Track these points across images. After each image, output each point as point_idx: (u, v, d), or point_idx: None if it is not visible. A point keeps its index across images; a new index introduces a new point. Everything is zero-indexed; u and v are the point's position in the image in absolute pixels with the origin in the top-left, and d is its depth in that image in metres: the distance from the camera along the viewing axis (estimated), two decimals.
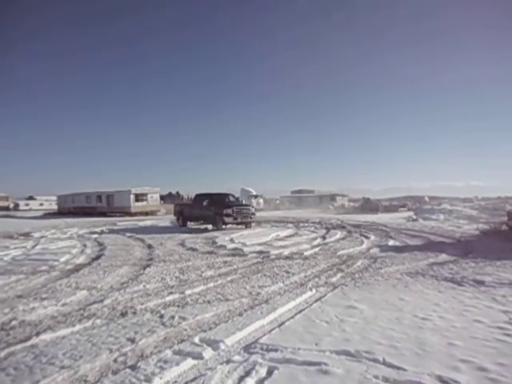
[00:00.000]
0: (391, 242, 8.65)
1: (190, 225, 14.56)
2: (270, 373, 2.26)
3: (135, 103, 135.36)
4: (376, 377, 2.19)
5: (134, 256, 7.36)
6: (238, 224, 12.94)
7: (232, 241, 9.19)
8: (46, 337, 2.95)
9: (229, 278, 5.09)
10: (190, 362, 2.45)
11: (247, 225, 13.04)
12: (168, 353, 2.59)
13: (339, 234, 10.45)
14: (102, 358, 2.52)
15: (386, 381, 2.14)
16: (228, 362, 2.46)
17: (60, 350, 2.71)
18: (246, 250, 7.74)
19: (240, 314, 3.47)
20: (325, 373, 2.25)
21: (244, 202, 17.82)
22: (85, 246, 9.09)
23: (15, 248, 8.63)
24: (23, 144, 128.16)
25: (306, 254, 7.15)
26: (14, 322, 3.32)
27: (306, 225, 14.24)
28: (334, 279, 4.92)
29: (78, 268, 6.10)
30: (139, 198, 28.46)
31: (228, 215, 12.31)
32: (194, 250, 8.05)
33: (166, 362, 2.44)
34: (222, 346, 2.70)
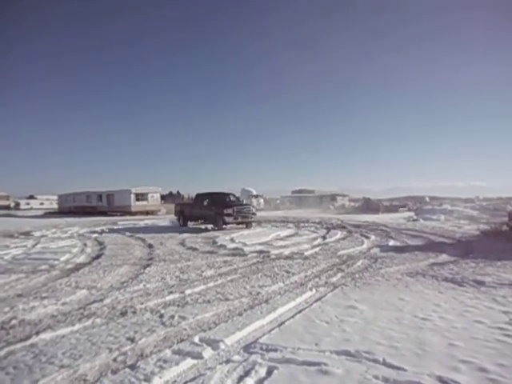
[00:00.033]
0: (392, 242, 8.64)
1: (191, 224, 14.55)
2: (269, 373, 2.26)
3: (135, 103, 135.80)
4: (376, 377, 2.18)
5: (134, 255, 7.36)
6: (238, 224, 12.93)
7: (232, 240, 9.19)
8: (46, 336, 2.96)
9: (229, 278, 5.09)
10: (189, 361, 2.45)
11: (248, 224, 13.04)
12: (168, 352, 2.58)
13: (339, 234, 10.44)
14: (102, 358, 2.53)
15: (385, 381, 2.14)
16: (228, 361, 2.46)
17: (60, 349, 2.71)
18: (246, 249, 7.74)
19: (240, 314, 3.46)
20: (325, 373, 2.25)
21: (244, 201, 17.82)
22: (85, 245, 9.10)
23: (16, 247, 8.64)
24: (24, 143, 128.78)
25: (306, 253, 7.15)
26: (13, 321, 3.32)
27: (306, 225, 14.24)
28: (334, 279, 4.91)
29: (78, 267, 6.10)
30: (140, 197, 28.53)
31: (229, 215, 12.31)
32: (194, 249, 8.06)
33: (165, 361, 2.44)
34: (222, 346, 2.70)
